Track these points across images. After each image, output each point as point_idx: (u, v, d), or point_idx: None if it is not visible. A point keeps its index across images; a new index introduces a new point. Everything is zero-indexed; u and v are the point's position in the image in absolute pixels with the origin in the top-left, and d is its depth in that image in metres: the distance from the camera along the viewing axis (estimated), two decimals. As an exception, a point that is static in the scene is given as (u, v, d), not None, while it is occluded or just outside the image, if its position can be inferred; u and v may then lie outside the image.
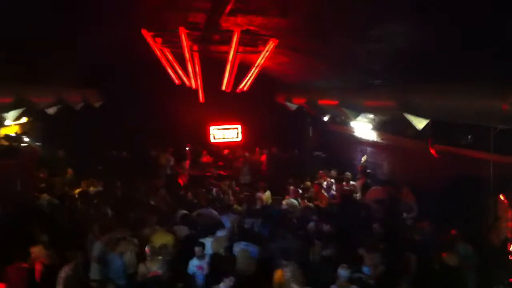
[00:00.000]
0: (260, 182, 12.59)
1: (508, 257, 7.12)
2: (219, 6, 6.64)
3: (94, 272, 7.16)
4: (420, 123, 6.94)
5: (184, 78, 11.41)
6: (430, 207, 8.69)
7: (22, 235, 8.04)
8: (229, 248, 7.33)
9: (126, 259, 7.26)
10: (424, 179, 9.57)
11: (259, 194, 11.32)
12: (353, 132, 13.35)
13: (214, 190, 12.27)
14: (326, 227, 8.04)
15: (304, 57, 10.31)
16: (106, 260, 7.15)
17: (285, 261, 6.31)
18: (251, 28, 8.15)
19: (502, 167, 6.85)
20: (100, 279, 6.89)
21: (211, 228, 8.07)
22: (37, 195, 10.22)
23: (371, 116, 11.42)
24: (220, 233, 7.78)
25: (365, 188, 11.27)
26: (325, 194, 11.49)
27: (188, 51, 9.01)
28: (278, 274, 6.33)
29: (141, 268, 6.95)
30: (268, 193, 11.74)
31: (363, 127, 12.47)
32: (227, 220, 8.67)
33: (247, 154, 16.25)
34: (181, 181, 13.83)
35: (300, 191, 11.58)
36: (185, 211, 9.36)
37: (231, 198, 11.82)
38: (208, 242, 7.39)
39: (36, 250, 7.36)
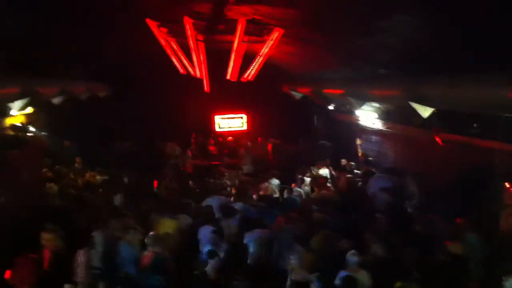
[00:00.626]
0: (271, 170, 12.61)
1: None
2: (223, -5, 6.63)
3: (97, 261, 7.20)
4: (425, 112, 6.90)
5: (189, 68, 11.42)
6: (436, 195, 8.68)
7: (30, 225, 8.12)
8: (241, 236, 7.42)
9: (135, 248, 7.32)
10: (430, 168, 9.56)
11: (266, 184, 11.32)
12: (358, 121, 13.32)
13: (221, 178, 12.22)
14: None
15: (310, 47, 10.26)
16: (115, 250, 7.17)
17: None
18: (256, 17, 8.11)
19: (509, 156, 6.83)
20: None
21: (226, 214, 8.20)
22: (44, 184, 10.29)
23: (377, 105, 11.38)
24: (233, 222, 7.90)
25: (367, 176, 11.20)
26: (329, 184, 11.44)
27: (193, 41, 9.01)
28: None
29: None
30: (276, 182, 11.72)
31: (369, 116, 12.43)
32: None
33: (249, 143, 16.15)
34: (187, 170, 13.86)
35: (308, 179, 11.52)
36: (188, 200, 9.38)
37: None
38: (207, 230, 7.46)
39: (47, 238, 7.45)
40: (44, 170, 11.27)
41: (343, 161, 13.39)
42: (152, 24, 8.35)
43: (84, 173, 12.10)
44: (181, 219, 8.33)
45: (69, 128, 13.18)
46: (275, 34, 8.68)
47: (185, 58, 10.72)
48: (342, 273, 5.86)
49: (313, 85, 12.95)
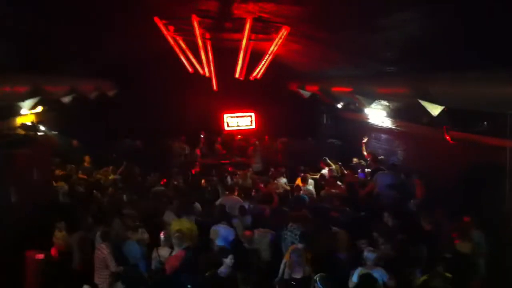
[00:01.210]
0: (279, 168, 12.61)
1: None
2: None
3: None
4: (435, 110, 6.85)
5: (197, 66, 11.43)
6: (445, 194, 8.62)
7: (40, 223, 8.20)
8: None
9: (143, 246, 7.35)
10: (440, 166, 9.49)
11: (274, 182, 11.31)
12: (368, 119, 13.25)
13: (229, 178, 12.18)
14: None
15: (317, 45, 10.22)
16: (124, 248, 7.18)
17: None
18: (263, 15, 8.10)
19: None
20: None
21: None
22: (54, 183, 10.38)
23: (386, 103, 11.32)
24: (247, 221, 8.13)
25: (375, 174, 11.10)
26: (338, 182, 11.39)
27: (200, 39, 9.00)
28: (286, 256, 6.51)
29: (154, 254, 7.08)
30: (283, 180, 11.72)
31: (378, 114, 12.37)
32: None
33: (257, 142, 16.07)
34: (195, 169, 13.86)
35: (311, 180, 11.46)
36: (193, 201, 9.32)
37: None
38: (221, 229, 7.54)
39: (59, 236, 7.55)
40: (54, 168, 11.36)
41: (355, 160, 13.32)
42: (159, 22, 8.36)
43: (93, 172, 12.17)
44: (192, 218, 8.33)
45: (78, 127, 13.26)
46: (283, 32, 8.64)
47: (193, 57, 10.73)
48: (358, 270, 5.87)
49: (320, 83, 12.91)
